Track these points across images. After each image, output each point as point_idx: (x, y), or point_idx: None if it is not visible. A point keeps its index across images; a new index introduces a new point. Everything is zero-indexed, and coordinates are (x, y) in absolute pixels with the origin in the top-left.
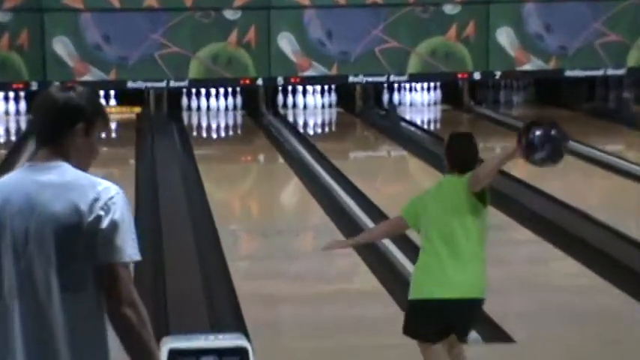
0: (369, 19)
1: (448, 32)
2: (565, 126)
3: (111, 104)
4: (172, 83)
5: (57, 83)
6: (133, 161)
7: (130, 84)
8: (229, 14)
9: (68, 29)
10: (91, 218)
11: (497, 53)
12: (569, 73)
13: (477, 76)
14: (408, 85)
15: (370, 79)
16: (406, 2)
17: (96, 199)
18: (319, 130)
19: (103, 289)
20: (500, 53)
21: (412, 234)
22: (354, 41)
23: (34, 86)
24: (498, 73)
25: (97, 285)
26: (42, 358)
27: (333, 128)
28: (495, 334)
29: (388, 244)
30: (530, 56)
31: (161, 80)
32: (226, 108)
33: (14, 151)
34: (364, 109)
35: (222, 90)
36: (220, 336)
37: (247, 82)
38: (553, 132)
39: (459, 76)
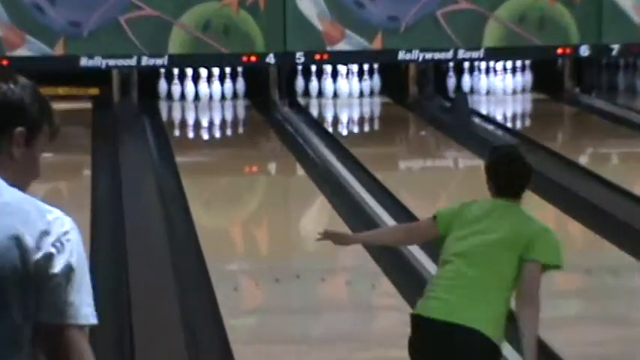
0: None
1: None
2: None
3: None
4: (145, 60)
5: None
6: (87, 172)
7: (85, 61)
8: None
9: None
10: (38, 256)
11: (614, 19)
12: None
13: (584, 51)
14: (483, 65)
15: (429, 55)
16: None
17: (45, 232)
18: (355, 129)
19: (47, 355)
20: (620, 19)
21: None
22: (407, 1)
23: None
24: (616, 48)
25: (34, 347)
26: None
27: (376, 126)
28: None
29: None
30: None
31: (129, 56)
32: (222, 96)
33: None
34: (420, 99)
35: (216, 71)
36: None
37: (253, 59)
38: None
39: (559, 51)
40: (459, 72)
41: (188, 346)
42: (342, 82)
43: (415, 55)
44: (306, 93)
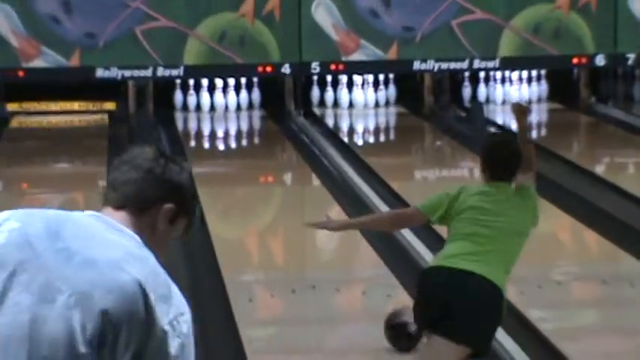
0: None
1: None
2: None
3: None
4: (161, 71)
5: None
6: (103, 183)
7: (101, 72)
8: None
9: None
10: (157, 321)
11: (629, 28)
12: None
13: (600, 61)
14: (499, 75)
15: (445, 65)
16: None
17: (166, 298)
18: (371, 139)
19: None
20: (635, 28)
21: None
22: (422, 11)
23: None
24: (632, 57)
25: None
26: None
27: (392, 136)
28: None
29: None
30: None
31: (145, 67)
32: (238, 107)
33: None
34: (436, 109)
35: (231, 81)
36: None
37: (268, 69)
38: None
39: (574, 61)
40: (475, 82)
41: (204, 357)
42: (357, 92)
43: (430, 65)
44: (322, 103)
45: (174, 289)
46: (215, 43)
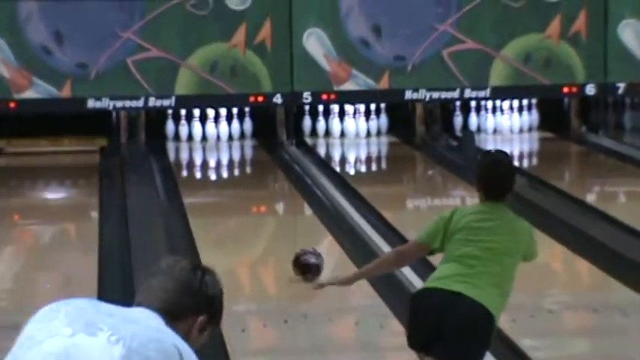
0: (434, 8)
1: (549, 28)
2: None
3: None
4: (153, 102)
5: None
6: (95, 214)
7: (92, 103)
8: (234, 3)
9: (2, 24)
10: None
11: (620, 57)
12: None
13: (590, 90)
14: (490, 104)
15: (436, 95)
16: None
17: None
18: (363, 169)
19: None
20: (625, 57)
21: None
22: (413, 41)
23: None
24: (622, 87)
25: None
26: None
27: (383, 165)
28: None
29: None
30: None
31: (137, 98)
32: (230, 137)
33: None
34: (427, 138)
35: (223, 111)
36: None
37: (260, 99)
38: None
39: (565, 90)
40: (466, 111)
41: None
42: (349, 121)
43: (422, 94)
44: (314, 133)
45: None
46: (207, 73)
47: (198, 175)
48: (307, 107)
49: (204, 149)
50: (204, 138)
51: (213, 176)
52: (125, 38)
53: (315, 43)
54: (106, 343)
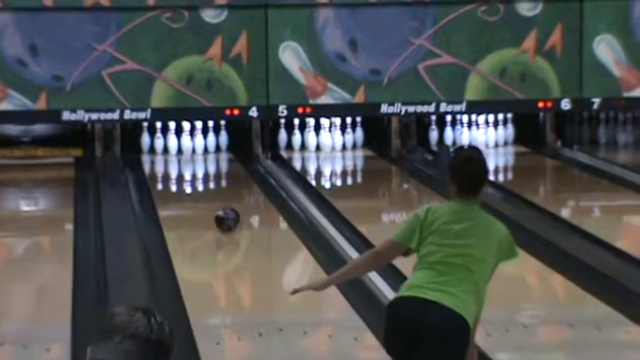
0: (410, 22)
1: (524, 42)
2: None
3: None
4: (128, 114)
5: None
6: (69, 226)
7: (67, 115)
8: (210, 15)
9: None
10: None
11: (595, 72)
12: None
13: (565, 105)
14: (466, 118)
15: (412, 108)
16: None
17: None
18: (338, 182)
19: None
20: (600, 72)
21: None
22: (389, 55)
23: None
24: (597, 101)
25: None
26: None
27: (359, 179)
28: None
29: None
30: None
31: (112, 110)
32: (205, 150)
33: None
34: (403, 152)
35: (199, 124)
36: None
37: (236, 112)
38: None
39: (540, 105)
40: (442, 125)
41: None
42: (324, 135)
43: (398, 108)
44: (289, 146)
45: None
46: (182, 86)
47: (173, 188)
48: (283, 120)
49: (179, 162)
50: (179, 151)
51: (188, 189)
52: (101, 50)
53: (291, 56)
54: None
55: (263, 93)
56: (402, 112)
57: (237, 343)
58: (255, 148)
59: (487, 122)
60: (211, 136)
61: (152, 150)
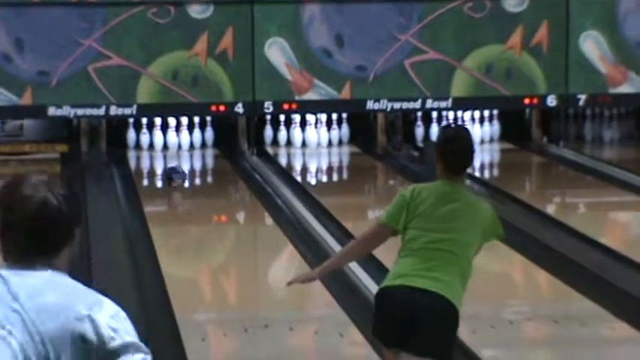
0: (396, 19)
1: (510, 39)
2: None
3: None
4: (114, 110)
5: (30, 179)
6: None
7: (53, 110)
8: (196, 11)
9: None
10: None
11: (581, 69)
12: None
13: (551, 101)
14: (451, 115)
15: (398, 105)
16: None
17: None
18: (324, 178)
19: None
20: (586, 69)
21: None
22: (375, 51)
23: None
24: (583, 98)
25: None
26: None
27: (345, 175)
28: None
29: None
30: (629, 74)
31: (98, 106)
32: (191, 146)
33: None
34: (389, 149)
35: (184, 120)
36: None
37: (221, 108)
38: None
39: (526, 101)
40: (428, 121)
41: None
42: (310, 131)
43: (384, 104)
44: (275, 142)
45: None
46: (168, 81)
47: (159, 183)
48: (269, 117)
49: (165, 158)
50: (165, 147)
51: (174, 185)
52: (86, 46)
53: (277, 52)
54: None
55: (249, 89)
56: (388, 109)
57: (222, 339)
58: (240, 144)
59: (473, 119)
60: (197, 132)
61: (138, 146)
